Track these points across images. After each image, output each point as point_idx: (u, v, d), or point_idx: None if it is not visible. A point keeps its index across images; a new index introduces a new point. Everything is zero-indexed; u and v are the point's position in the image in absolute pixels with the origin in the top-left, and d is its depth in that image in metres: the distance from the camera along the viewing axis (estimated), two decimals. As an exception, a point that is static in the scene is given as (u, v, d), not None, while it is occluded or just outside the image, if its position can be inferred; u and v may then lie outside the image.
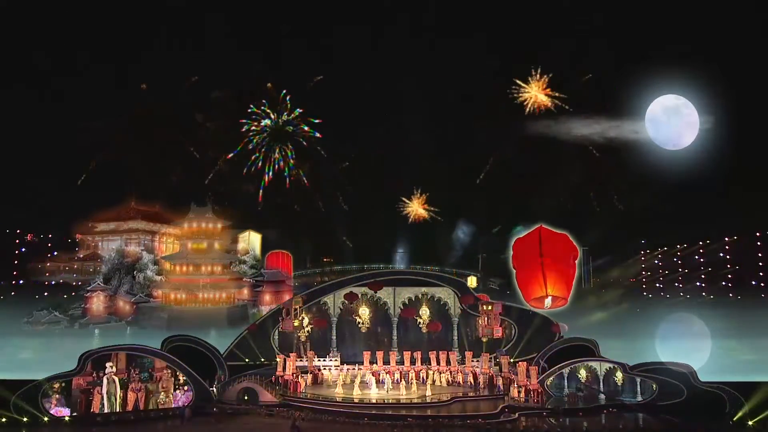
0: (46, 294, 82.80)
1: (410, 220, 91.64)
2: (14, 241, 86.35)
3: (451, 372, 50.35)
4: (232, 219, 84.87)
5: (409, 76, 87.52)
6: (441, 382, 49.30)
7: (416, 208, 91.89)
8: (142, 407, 40.38)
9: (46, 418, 38.07)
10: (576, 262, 41.23)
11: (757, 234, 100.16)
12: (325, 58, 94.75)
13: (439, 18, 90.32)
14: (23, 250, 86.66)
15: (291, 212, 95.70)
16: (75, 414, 38.91)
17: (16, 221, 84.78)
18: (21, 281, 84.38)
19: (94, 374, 39.68)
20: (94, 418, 38.85)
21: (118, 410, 39.66)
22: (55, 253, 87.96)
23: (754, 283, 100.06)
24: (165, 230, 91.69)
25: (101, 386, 39.51)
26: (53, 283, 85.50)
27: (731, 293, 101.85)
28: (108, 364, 39.89)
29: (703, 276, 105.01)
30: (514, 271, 43.73)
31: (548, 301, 40.59)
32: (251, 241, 62.22)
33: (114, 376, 39.92)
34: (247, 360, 52.19)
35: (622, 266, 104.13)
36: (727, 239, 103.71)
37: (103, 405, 39.53)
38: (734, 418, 39.49)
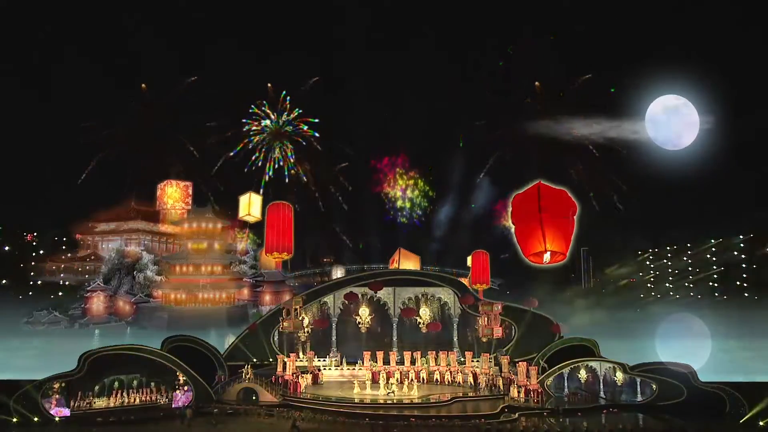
0: (46, 294, 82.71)
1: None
2: (14, 241, 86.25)
3: (451, 372, 50.34)
4: (231, 218, 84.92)
5: (408, 76, 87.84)
6: (431, 381, 49.39)
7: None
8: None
9: (43, 419, 38.00)
10: (575, 217, 40.61)
11: (752, 235, 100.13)
12: (325, 58, 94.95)
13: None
14: (23, 250, 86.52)
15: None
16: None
17: (16, 221, 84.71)
18: (21, 281, 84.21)
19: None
20: (94, 418, 38.88)
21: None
22: (55, 253, 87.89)
23: (754, 283, 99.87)
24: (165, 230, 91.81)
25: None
26: (53, 283, 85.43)
27: (731, 293, 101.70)
28: None
29: (703, 276, 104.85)
30: (513, 226, 43.04)
31: (547, 257, 39.87)
32: (252, 202, 62.32)
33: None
34: (251, 361, 52.05)
35: (622, 266, 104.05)
36: (727, 239, 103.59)
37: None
38: (743, 419, 39.25)
